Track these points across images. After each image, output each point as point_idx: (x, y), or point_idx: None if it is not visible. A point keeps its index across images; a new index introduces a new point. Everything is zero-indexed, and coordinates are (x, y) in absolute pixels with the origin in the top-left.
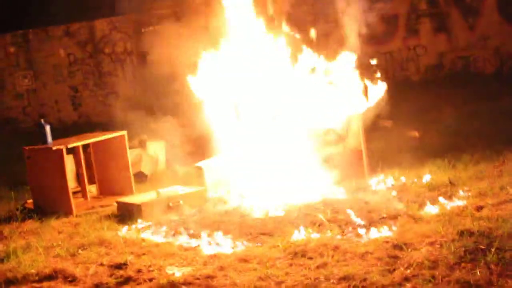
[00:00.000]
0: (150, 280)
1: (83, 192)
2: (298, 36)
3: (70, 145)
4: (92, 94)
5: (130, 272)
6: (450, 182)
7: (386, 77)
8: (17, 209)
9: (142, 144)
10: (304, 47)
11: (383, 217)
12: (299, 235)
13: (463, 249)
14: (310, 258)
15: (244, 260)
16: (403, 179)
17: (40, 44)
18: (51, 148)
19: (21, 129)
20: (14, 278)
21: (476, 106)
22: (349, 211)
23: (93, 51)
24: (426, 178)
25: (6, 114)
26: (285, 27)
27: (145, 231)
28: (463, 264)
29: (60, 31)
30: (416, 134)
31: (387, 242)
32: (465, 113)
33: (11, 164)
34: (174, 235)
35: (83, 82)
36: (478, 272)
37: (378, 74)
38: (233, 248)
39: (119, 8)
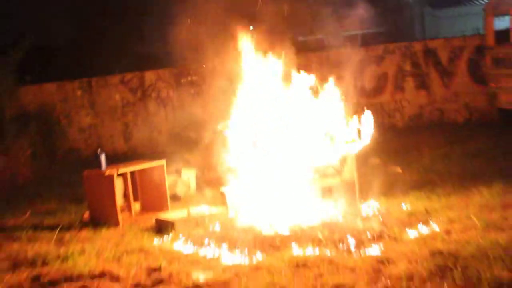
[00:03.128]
0: (179, 282)
1: (128, 208)
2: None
3: (120, 171)
4: (140, 130)
5: (163, 275)
6: (426, 211)
7: (376, 124)
8: (76, 221)
9: (177, 172)
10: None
11: (370, 238)
12: (301, 250)
13: (434, 266)
14: (309, 269)
15: (256, 269)
16: (387, 207)
17: (100, 89)
18: (104, 173)
19: (83, 157)
20: (71, 276)
21: (448, 149)
22: (343, 232)
23: (142, 96)
24: (407, 206)
25: (72, 145)
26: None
27: (177, 243)
28: (434, 279)
29: (116, 80)
30: (400, 170)
31: (373, 258)
32: (440, 154)
33: (74, 185)
34: (200, 246)
35: (133, 120)
36: (446, 286)
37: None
38: (246, 259)
39: (164, 62)
